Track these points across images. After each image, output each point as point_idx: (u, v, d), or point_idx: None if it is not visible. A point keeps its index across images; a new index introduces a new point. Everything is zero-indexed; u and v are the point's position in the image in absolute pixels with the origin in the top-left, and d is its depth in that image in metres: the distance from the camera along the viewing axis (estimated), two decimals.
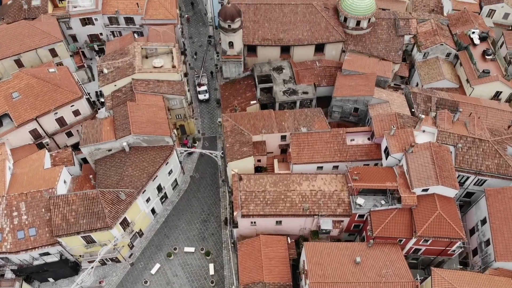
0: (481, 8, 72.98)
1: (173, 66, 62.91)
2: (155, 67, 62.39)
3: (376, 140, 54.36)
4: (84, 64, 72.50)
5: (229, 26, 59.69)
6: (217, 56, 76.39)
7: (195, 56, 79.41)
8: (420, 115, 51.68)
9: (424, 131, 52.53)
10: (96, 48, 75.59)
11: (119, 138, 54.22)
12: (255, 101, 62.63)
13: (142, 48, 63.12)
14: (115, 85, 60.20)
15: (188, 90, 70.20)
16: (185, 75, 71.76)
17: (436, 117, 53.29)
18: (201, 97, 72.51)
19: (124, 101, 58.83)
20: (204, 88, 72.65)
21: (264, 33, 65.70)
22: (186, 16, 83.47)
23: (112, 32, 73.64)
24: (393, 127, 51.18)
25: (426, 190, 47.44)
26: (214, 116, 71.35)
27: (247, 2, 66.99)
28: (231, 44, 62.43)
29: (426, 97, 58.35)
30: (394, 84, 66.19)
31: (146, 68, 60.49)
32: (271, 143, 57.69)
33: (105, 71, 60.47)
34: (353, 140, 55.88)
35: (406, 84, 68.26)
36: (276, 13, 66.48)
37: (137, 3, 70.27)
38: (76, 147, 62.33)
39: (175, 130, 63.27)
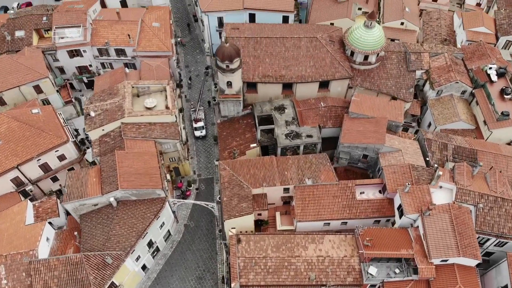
0: (497, 39, 68.26)
1: (167, 107, 58.20)
2: (147, 108, 57.71)
3: (389, 194, 49.65)
4: (72, 99, 67.66)
5: (227, 66, 54.91)
6: (215, 87, 71.53)
7: (189, 81, 74.99)
8: (437, 171, 46.89)
9: (441, 187, 47.86)
10: (85, 80, 70.89)
11: (105, 193, 49.47)
12: (255, 144, 57.84)
13: (133, 87, 58.33)
14: (103, 130, 55.44)
15: (184, 128, 65.42)
16: (180, 110, 67.09)
17: (454, 171, 48.58)
18: (197, 133, 67.67)
19: (112, 147, 54.11)
20: (200, 124, 67.81)
21: (265, 69, 60.92)
22: (179, 39, 78.70)
23: (102, 63, 68.89)
24: (408, 184, 46.42)
25: (446, 260, 42.76)
26: (211, 154, 66.57)
27: (247, 35, 62.27)
28: (229, 84, 57.68)
29: (442, 144, 53.56)
30: (405, 122, 61.49)
31: (137, 111, 55.66)
32: (273, 195, 52.92)
33: (92, 114, 55.64)
34: (363, 193, 51.12)
35: (417, 123, 63.64)
36: (277, 48, 61.71)
37: (128, 35, 65.44)
38: (62, 192, 57.67)
39: (168, 175, 58.59)
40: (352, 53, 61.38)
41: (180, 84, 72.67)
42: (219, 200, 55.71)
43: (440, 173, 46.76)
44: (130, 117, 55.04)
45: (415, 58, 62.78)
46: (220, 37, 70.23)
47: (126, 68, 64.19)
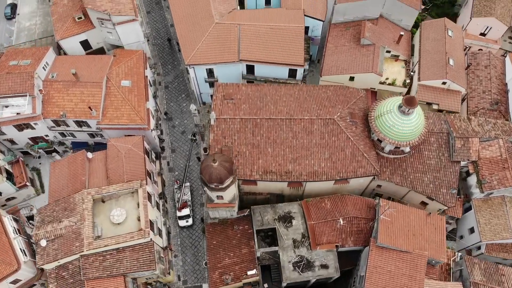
0: None
1: (139, 218, 45.27)
2: (114, 223, 44.80)
3: None
4: (27, 183, 54.21)
5: (217, 186, 41.22)
6: (205, 152, 57.36)
7: (165, 117, 61.75)
8: None
9: None
10: (42, 152, 57.12)
11: None
12: (254, 271, 45.59)
13: (94, 199, 44.95)
14: (59, 262, 43.09)
15: (164, 224, 52.65)
16: (161, 196, 54.07)
17: None
18: (182, 223, 54.89)
19: (71, 286, 42.19)
20: (186, 211, 54.85)
21: (266, 163, 46.97)
22: (164, 114, 62.26)
23: (62, 133, 54.66)
24: None
25: None
26: (199, 250, 54.31)
27: (243, 116, 47.68)
28: (220, 196, 44.32)
29: None
30: None
31: (100, 242, 42.64)
32: None
33: (44, 243, 42.77)
34: None
35: (457, 237, 50.96)
36: (283, 133, 47.35)
37: (90, 107, 50.50)
38: None
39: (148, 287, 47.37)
40: (380, 139, 47.29)
41: (161, 153, 58.85)
42: None
43: None
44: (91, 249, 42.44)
45: (461, 145, 48.51)
46: (210, 89, 55.47)
47: (89, 153, 50.06)
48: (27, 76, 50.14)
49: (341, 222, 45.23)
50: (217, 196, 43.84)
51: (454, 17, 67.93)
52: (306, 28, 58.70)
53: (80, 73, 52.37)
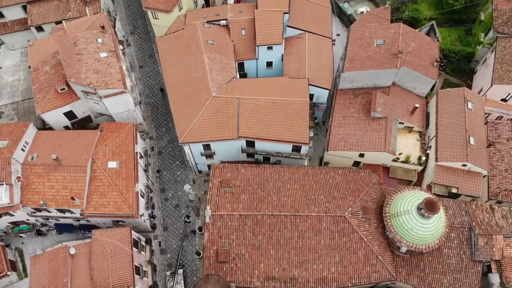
0: None
1: None
2: None
3: None
4: (7, 273, 49.13)
5: None
6: (198, 256, 51.14)
7: (157, 174, 57.77)
8: None
9: None
10: (23, 235, 52.26)
11: None
12: None
13: None
14: None
15: None
16: (151, 287, 49.19)
17: None
18: None
19: None
20: None
21: (268, 267, 42.14)
22: (152, 211, 55.42)
23: (47, 219, 49.82)
24: None
25: None
26: None
27: (242, 211, 42.88)
28: None
29: None
30: None
31: None
32: None
33: None
34: None
35: None
36: (287, 232, 42.58)
37: (72, 197, 45.47)
38: None
39: None
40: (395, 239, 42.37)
41: (152, 230, 54.01)
42: None
43: None
44: None
45: (484, 243, 43.63)
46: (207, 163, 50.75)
47: (72, 248, 45.06)
48: (4, 162, 45.12)
49: None
50: None
51: (470, 73, 63.04)
52: (311, 95, 53.86)
53: (62, 154, 47.46)
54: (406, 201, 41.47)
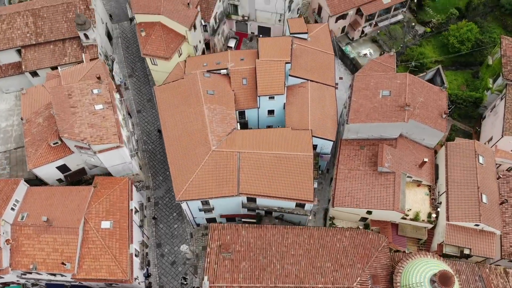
0: None
1: None
2: None
3: None
4: None
5: None
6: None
7: (153, 221, 55.56)
8: None
9: None
10: None
11: None
12: None
13: None
14: None
15: None
16: None
17: None
18: None
19: None
20: None
21: None
22: (147, 268, 52.39)
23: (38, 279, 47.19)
24: None
25: None
26: None
27: (243, 282, 40.13)
28: None
29: None
30: None
31: None
32: None
33: None
34: None
35: None
36: None
37: (63, 262, 42.88)
38: None
39: None
40: None
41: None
42: None
43: None
44: None
45: None
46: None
47: None
48: None
49: None
50: None
51: (478, 119, 61.07)
52: (314, 146, 51.73)
53: (54, 213, 45.12)
54: (419, 271, 38.86)
